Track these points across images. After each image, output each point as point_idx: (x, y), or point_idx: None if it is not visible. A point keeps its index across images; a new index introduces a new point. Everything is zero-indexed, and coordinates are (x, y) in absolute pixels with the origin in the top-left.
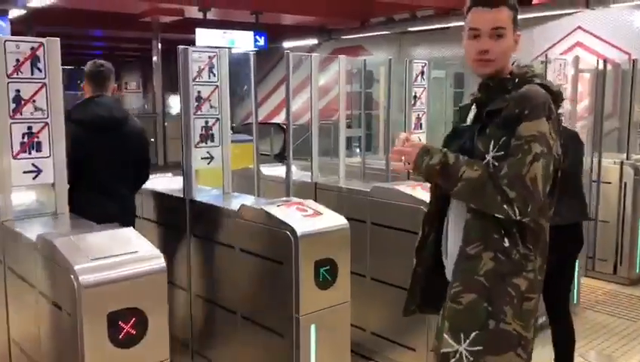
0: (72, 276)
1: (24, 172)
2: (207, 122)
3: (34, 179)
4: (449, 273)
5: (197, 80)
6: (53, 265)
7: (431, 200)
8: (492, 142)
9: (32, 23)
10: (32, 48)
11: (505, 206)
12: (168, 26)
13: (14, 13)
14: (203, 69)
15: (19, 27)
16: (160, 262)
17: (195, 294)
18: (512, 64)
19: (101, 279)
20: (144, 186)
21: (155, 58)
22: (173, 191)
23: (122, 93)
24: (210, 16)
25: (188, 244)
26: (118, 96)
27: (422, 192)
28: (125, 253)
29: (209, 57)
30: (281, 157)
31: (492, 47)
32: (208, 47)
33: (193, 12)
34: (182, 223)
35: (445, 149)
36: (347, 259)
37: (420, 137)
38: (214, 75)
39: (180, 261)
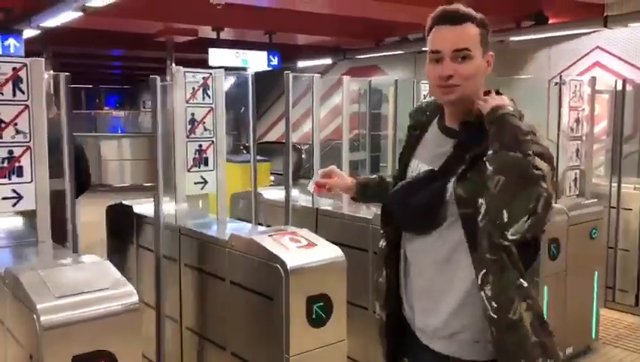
0: (34, 316)
1: (3, 198)
2: (200, 145)
3: (14, 205)
4: (413, 324)
5: (190, 101)
6: (17, 302)
7: (385, 242)
8: (481, 185)
9: (47, 43)
10: (14, 69)
11: (526, 215)
12: (182, 46)
13: (29, 33)
14: (197, 90)
15: (33, 47)
16: (133, 300)
17: (185, 327)
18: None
19: (65, 319)
20: (136, 212)
21: (168, 77)
22: (166, 217)
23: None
24: (223, 36)
25: (179, 274)
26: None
27: None
28: (96, 289)
29: (203, 78)
30: (294, 177)
31: (456, 70)
32: (219, 67)
33: (207, 32)
34: (173, 251)
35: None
36: (343, 294)
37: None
38: (209, 97)
39: (171, 291)
